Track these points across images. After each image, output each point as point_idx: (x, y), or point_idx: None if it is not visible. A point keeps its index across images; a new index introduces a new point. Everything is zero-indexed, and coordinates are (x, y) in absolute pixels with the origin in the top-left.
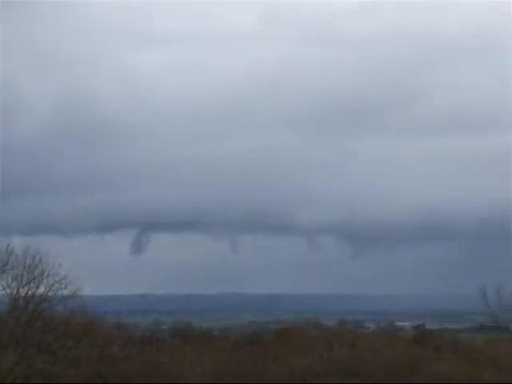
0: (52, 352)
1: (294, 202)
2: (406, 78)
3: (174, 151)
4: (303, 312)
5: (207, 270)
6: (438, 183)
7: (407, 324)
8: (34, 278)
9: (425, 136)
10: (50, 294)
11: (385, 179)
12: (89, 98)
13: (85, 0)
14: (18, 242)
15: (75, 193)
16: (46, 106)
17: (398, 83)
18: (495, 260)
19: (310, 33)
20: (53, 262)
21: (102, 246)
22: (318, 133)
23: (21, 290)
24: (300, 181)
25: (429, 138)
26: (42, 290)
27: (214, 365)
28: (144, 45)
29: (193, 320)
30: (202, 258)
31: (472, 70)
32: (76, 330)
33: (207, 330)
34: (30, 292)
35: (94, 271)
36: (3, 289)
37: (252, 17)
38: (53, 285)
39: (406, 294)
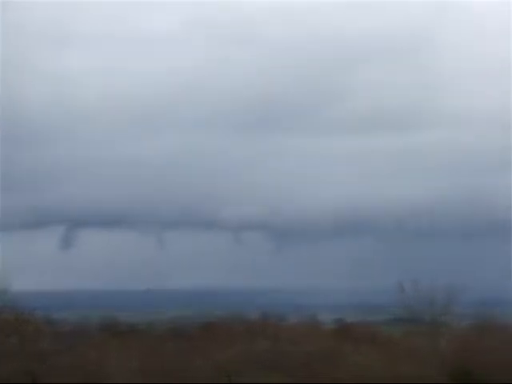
0: None
1: (220, 200)
2: (329, 78)
3: (99, 151)
4: (228, 306)
5: (134, 266)
6: (359, 181)
7: (328, 317)
8: None
9: (347, 135)
10: None
11: (308, 177)
12: (13, 100)
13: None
14: None
15: (3, 191)
16: None
17: (321, 84)
18: (412, 254)
19: (232, 35)
20: None
21: (31, 242)
22: (241, 133)
23: None
24: (225, 179)
25: (351, 137)
26: None
27: (141, 359)
28: (66, 47)
29: (120, 315)
30: (129, 254)
31: (393, 70)
32: (4, 325)
33: (134, 324)
34: None
35: (22, 267)
36: None
37: (174, 19)
38: None
39: (327, 288)
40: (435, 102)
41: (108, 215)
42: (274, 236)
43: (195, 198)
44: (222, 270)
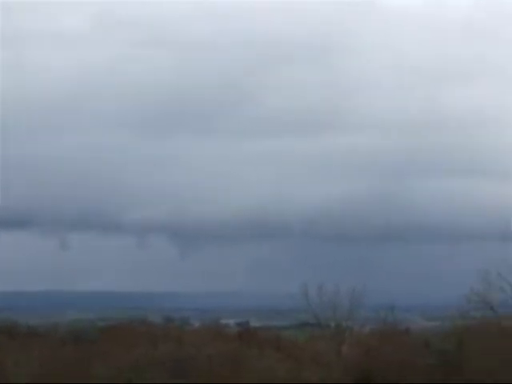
0: None
1: (125, 201)
2: (240, 80)
3: (3, 150)
4: (131, 309)
5: (36, 268)
6: (270, 184)
7: (232, 321)
8: None
9: (259, 137)
10: None
11: (217, 180)
12: None
13: None
14: None
15: None
16: None
17: (231, 85)
18: (319, 258)
19: (142, 35)
20: None
21: None
22: (150, 133)
23: None
24: (132, 180)
25: (263, 138)
26: None
27: (40, 362)
28: None
29: (19, 317)
30: (31, 256)
31: (304, 72)
32: None
33: (34, 327)
34: None
35: None
36: None
37: (85, 18)
38: None
39: (231, 292)
40: (350, 104)
41: (8, 216)
42: (179, 239)
43: (100, 200)
44: (124, 272)
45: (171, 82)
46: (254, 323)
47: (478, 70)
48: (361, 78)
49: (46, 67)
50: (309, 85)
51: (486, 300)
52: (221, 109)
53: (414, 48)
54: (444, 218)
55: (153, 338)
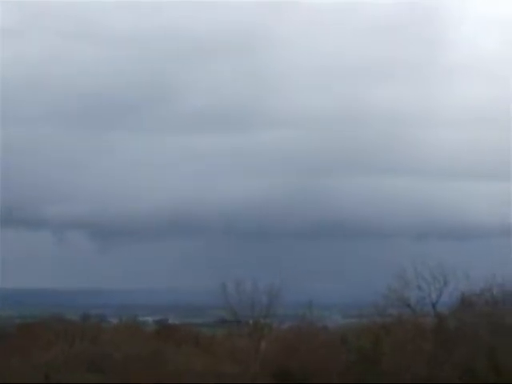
0: None
1: (46, 196)
2: (162, 77)
3: None
4: (48, 307)
5: None
6: (192, 181)
7: (150, 318)
8: None
9: (180, 134)
10: None
11: (139, 176)
12: None
13: None
14: None
15: None
16: None
17: (154, 82)
18: (236, 256)
19: (75, 29)
20: None
21: None
22: (70, 129)
23: None
24: (54, 175)
25: (184, 135)
26: None
27: None
28: None
29: None
30: None
31: (227, 69)
32: None
33: None
34: None
35: None
36: None
37: (17, 11)
38: None
39: (150, 289)
40: (272, 102)
41: None
42: (99, 236)
43: (18, 196)
44: (43, 269)
45: (96, 77)
46: (173, 320)
47: (398, 70)
48: (282, 76)
49: None
50: (231, 82)
51: (402, 297)
52: (144, 105)
53: (335, 46)
54: (362, 215)
55: (70, 336)
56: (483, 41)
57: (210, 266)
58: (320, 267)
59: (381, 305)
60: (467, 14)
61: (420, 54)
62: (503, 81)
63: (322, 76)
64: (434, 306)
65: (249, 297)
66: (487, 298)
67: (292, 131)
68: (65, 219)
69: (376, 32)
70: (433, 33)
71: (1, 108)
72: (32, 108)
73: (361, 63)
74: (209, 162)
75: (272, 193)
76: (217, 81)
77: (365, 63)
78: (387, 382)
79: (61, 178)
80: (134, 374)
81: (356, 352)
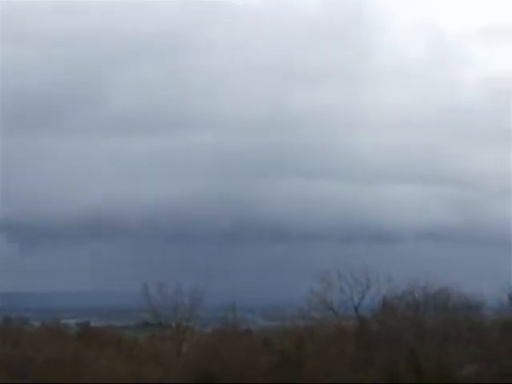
0: None
1: None
2: (86, 78)
3: None
4: None
5: None
6: (114, 182)
7: (72, 321)
8: None
9: (105, 136)
10: None
11: (62, 178)
12: None
13: None
14: None
15: None
16: None
17: (79, 83)
18: (160, 259)
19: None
20: None
21: None
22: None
23: None
24: None
25: (109, 138)
26: None
27: None
28: None
29: None
30: None
31: (152, 71)
32: None
33: None
34: None
35: None
36: None
37: None
38: None
39: (72, 292)
40: (198, 104)
41: None
42: (21, 238)
43: None
44: None
45: (20, 78)
46: (96, 323)
47: (325, 74)
48: (209, 77)
49: None
50: (157, 83)
51: (325, 300)
52: (68, 106)
53: (263, 49)
54: (288, 218)
55: None
56: (408, 46)
57: (134, 268)
58: (244, 270)
59: (304, 308)
60: (392, 18)
61: (346, 58)
62: (428, 86)
63: (249, 79)
64: (356, 309)
65: (171, 299)
66: (409, 301)
67: (217, 134)
68: None
69: (301, 35)
70: (359, 37)
71: None
72: None
73: (287, 67)
74: (133, 164)
75: (197, 195)
76: (142, 83)
77: (291, 67)
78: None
79: None
80: (56, 378)
81: (279, 355)
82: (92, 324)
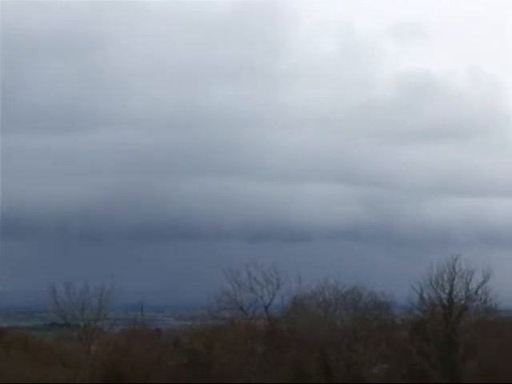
0: None
1: None
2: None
3: None
4: None
5: None
6: (21, 181)
7: None
8: None
9: (10, 134)
10: None
11: None
12: None
13: None
14: None
15: None
16: None
17: None
18: (67, 258)
19: None
20: None
21: None
22: None
23: None
24: None
25: (14, 136)
26: None
27: None
28: None
29: None
30: None
31: (57, 69)
32: None
33: None
34: None
35: None
36: None
37: None
38: None
39: None
40: (106, 102)
41: None
42: None
43: None
44: None
45: None
46: (1, 323)
47: (240, 70)
48: (116, 76)
49: None
50: (63, 82)
51: (235, 300)
52: None
53: (174, 46)
54: (197, 217)
55: None
56: (321, 43)
57: (41, 268)
58: (153, 269)
59: (214, 307)
60: (305, 15)
61: (261, 54)
62: (341, 83)
63: (161, 78)
64: (266, 308)
65: (79, 299)
66: (320, 300)
67: (127, 132)
68: None
69: (215, 33)
70: (272, 34)
71: None
72: None
73: (201, 64)
74: (41, 162)
75: (105, 194)
76: (49, 81)
77: (205, 64)
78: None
79: None
80: None
81: (188, 355)
82: None
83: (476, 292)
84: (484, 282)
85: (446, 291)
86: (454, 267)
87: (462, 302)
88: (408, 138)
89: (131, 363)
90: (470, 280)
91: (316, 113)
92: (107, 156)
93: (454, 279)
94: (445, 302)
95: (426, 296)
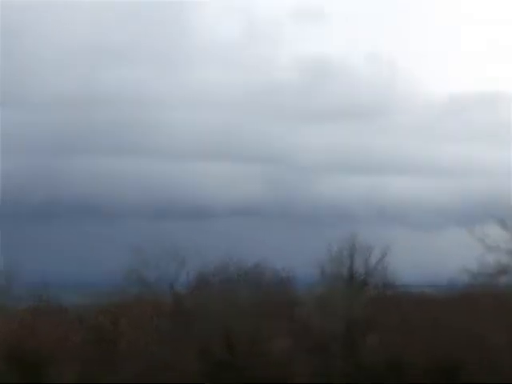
0: None
1: None
2: None
3: None
4: None
5: None
6: None
7: None
8: None
9: None
10: None
11: None
12: None
13: None
14: None
15: None
16: None
17: None
18: None
19: None
20: None
21: None
22: None
23: None
24: None
25: None
26: None
27: None
28: None
29: None
30: None
31: None
32: None
33: None
34: None
35: None
36: None
37: None
38: None
39: None
40: (11, 84)
41: None
42: None
43: None
44: None
45: None
46: None
47: (139, 52)
48: (20, 61)
49: None
50: None
51: (140, 277)
52: None
53: (74, 31)
54: (99, 195)
55: None
56: (222, 26)
57: None
58: (58, 247)
59: (119, 284)
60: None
61: (161, 37)
62: (242, 66)
63: (60, 61)
64: (171, 285)
65: None
66: (223, 277)
67: (26, 112)
68: None
69: (115, 16)
70: (174, 17)
71: None
72: None
73: (99, 45)
74: None
75: (7, 174)
76: None
77: (104, 46)
78: (125, 360)
79: None
80: None
81: (94, 331)
82: None
83: (375, 267)
84: (382, 257)
85: (346, 267)
86: (353, 243)
87: (362, 277)
88: (308, 119)
89: (35, 341)
90: (369, 256)
91: (217, 95)
92: (11, 136)
93: (353, 255)
94: (345, 277)
95: (326, 272)
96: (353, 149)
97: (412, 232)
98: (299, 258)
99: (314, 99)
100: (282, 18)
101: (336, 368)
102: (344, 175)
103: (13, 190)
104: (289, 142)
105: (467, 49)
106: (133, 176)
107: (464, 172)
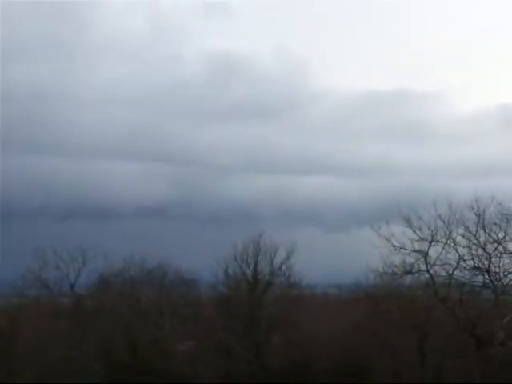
0: None
1: None
2: None
3: None
4: None
5: None
6: None
7: None
8: None
9: None
10: None
11: None
12: None
13: None
14: None
15: None
16: None
17: None
18: None
19: None
20: None
21: None
22: None
23: None
24: None
25: None
26: None
27: None
28: None
29: None
30: None
31: None
32: None
33: None
34: None
35: None
36: None
37: None
38: None
39: None
40: None
41: None
42: None
43: None
44: None
45: None
46: None
47: (39, 47)
48: None
49: None
50: None
51: (40, 278)
52: None
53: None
54: (3, 194)
55: None
56: (126, 20)
57: None
58: None
59: (18, 285)
60: None
61: (64, 31)
62: (147, 61)
63: None
64: (72, 286)
65: None
66: (126, 277)
67: None
68: None
69: (17, 8)
70: (77, 10)
71: None
72: None
73: (3, 42)
74: None
75: None
76: None
77: (8, 41)
78: (24, 362)
79: None
80: None
81: None
82: None
83: (280, 268)
84: (288, 257)
85: (251, 267)
86: (258, 243)
87: (267, 277)
88: (216, 117)
89: None
90: (274, 256)
91: (123, 91)
92: None
93: (258, 255)
94: (249, 277)
95: (230, 272)
96: (260, 148)
97: (319, 232)
98: (204, 259)
99: (221, 97)
100: (189, 10)
101: (240, 369)
102: (251, 175)
103: None
104: (195, 141)
105: (381, 47)
106: (35, 175)
107: (375, 171)
